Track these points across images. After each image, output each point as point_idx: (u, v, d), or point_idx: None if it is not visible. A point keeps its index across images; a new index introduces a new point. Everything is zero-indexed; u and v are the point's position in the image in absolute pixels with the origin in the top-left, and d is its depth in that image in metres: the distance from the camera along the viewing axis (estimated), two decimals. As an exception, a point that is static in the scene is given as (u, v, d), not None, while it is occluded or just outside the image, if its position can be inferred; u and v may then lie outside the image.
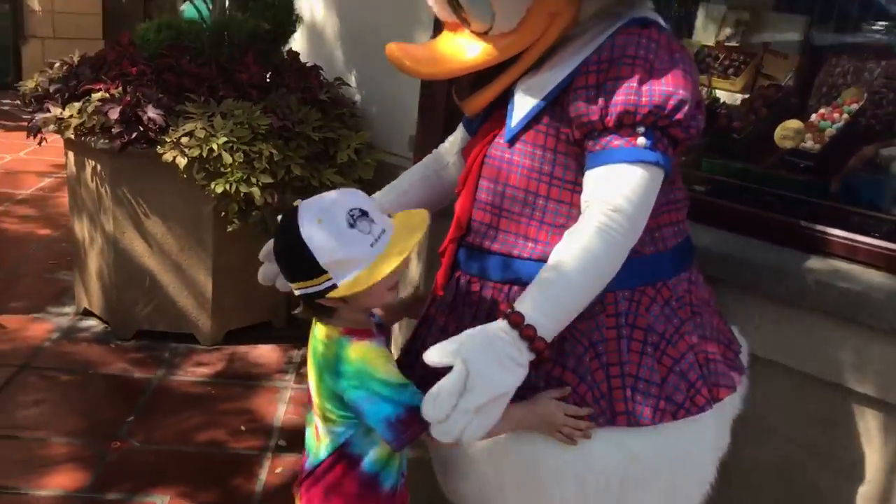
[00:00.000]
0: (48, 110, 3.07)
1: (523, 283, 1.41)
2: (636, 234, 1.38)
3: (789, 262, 1.86)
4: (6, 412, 2.72)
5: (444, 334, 1.46)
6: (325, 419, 1.50)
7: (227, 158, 2.88)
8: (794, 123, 2.32)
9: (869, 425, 1.77)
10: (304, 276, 1.39)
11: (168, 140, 2.89)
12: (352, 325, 1.46)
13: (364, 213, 1.37)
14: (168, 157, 2.87)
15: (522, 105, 1.49)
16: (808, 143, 2.32)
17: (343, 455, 1.50)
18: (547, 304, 1.32)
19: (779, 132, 2.32)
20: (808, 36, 2.67)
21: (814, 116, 2.39)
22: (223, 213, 3.01)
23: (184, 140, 2.89)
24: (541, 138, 1.47)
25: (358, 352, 1.42)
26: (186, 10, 3.94)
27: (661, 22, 1.47)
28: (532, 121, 1.48)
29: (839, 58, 2.58)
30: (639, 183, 1.36)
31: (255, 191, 2.90)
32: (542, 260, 1.42)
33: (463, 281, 1.57)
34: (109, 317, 3.33)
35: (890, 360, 1.70)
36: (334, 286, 1.37)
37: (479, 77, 1.54)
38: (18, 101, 3.36)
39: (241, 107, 3.01)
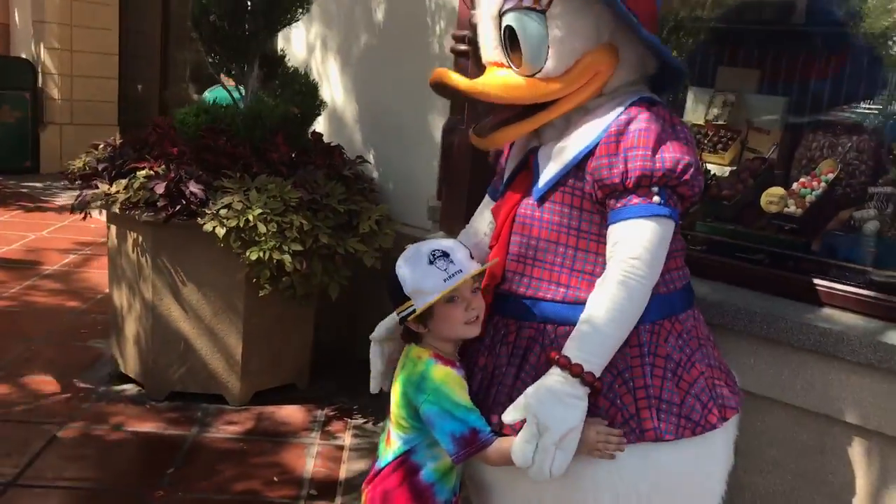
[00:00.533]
0: (96, 186, 3.35)
1: (553, 322, 1.70)
2: (655, 276, 1.65)
3: (778, 309, 2.11)
4: (51, 466, 2.91)
5: (485, 372, 1.76)
6: (398, 426, 1.76)
7: (262, 228, 3.14)
8: (777, 191, 2.61)
9: (854, 451, 1.99)
10: (396, 302, 1.72)
11: (208, 212, 3.17)
12: (439, 352, 1.74)
13: (445, 255, 1.69)
14: (208, 227, 3.13)
15: (548, 169, 1.77)
16: (791, 208, 2.60)
17: (407, 461, 1.74)
18: (587, 347, 1.60)
19: (764, 198, 2.61)
20: (787, 114, 2.99)
21: (795, 185, 2.68)
22: (255, 280, 3.26)
23: (222, 212, 3.16)
24: (567, 198, 1.73)
25: (440, 374, 1.70)
26: (208, 96, 4.29)
27: (663, 102, 1.76)
28: (558, 183, 1.75)
29: (815, 133, 2.90)
30: (655, 233, 1.62)
31: (287, 258, 3.16)
32: (568, 301, 1.70)
33: (500, 324, 1.80)
34: (144, 379, 3.54)
35: (868, 391, 1.93)
36: (414, 311, 1.66)
37: (505, 118, 1.79)
38: (45, 182, 3.64)
39: (274, 182, 3.30)
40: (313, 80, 3.77)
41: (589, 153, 1.71)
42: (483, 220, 2.06)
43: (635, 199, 1.64)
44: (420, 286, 1.66)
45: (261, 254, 3.15)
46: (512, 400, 1.64)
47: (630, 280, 1.61)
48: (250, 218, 3.14)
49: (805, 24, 3.03)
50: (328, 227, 3.32)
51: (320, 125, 3.99)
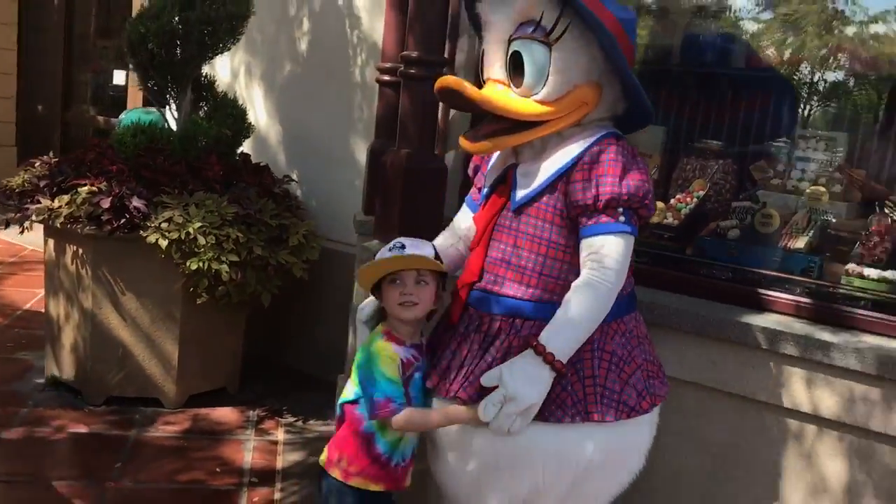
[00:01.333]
0: (39, 202, 3.53)
1: (521, 317, 2.05)
2: (621, 283, 2.01)
3: (658, 299, 2.57)
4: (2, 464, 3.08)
5: (455, 357, 2.10)
6: (354, 377, 2.17)
7: (202, 240, 3.42)
8: (659, 205, 3.10)
9: (721, 411, 2.46)
10: None
11: (151, 225, 3.41)
12: (392, 330, 2.13)
13: (402, 246, 2.09)
14: (151, 238, 3.38)
15: (524, 185, 2.08)
16: (669, 219, 3.10)
17: (353, 411, 2.15)
18: (559, 339, 1.94)
19: (647, 211, 3.09)
20: (666, 141, 3.51)
21: (672, 200, 3.18)
22: (192, 289, 3.52)
23: (164, 225, 3.42)
24: (540, 212, 2.03)
25: (379, 346, 2.09)
26: (125, 118, 4.49)
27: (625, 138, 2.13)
28: (533, 199, 2.03)
29: (688, 157, 3.42)
30: (620, 247, 1.97)
31: (224, 268, 3.44)
32: (534, 300, 2.04)
33: (475, 315, 2.12)
34: (82, 385, 3.72)
35: (734, 362, 2.41)
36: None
37: (494, 130, 2.07)
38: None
39: (211, 198, 3.58)
40: (242, 104, 4.06)
41: (560, 176, 2.01)
42: (461, 225, 2.37)
43: (604, 218, 1.96)
44: (375, 261, 2.12)
45: (200, 264, 3.42)
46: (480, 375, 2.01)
47: (602, 286, 1.94)
48: (191, 231, 3.41)
49: (679, 66, 3.57)
50: (261, 241, 3.62)
51: (247, 146, 4.28)
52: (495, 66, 2.08)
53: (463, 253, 2.33)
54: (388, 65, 3.46)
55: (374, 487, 2.14)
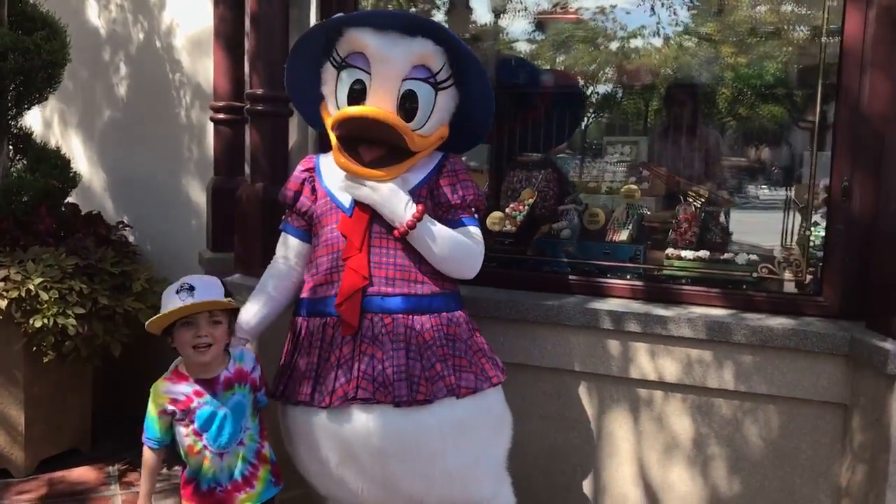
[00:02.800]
0: None
1: (421, 312, 2.27)
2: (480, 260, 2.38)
3: (516, 297, 2.83)
4: None
5: (374, 360, 2.23)
6: None
7: (45, 296, 3.30)
8: (497, 214, 3.38)
9: (580, 391, 2.75)
10: None
11: (-15, 286, 3.25)
12: (180, 369, 2.30)
13: (191, 288, 2.20)
14: (-12, 301, 3.22)
15: None
16: (508, 227, 3.38)
17: None
18: (434, 228, 2.29)
19: (489, 221, 3.36)
20: (492, 157, 3.82)
21: (507, 209, 3.48)
22: (35, 348, 3.38)
23: (0, 285, 3.27)
24: None
25: (155, 385, 2.30)
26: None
27: None
28: None
29: (515, 170, 3.75)
30: (480, 234, 2.41)
31: (71, 321, 3.34)
32: (426, 294, 2.30)
33: (376, 319, 2.27)
34: (-84, 466, 3.45)
35: (583, 345, 2.70)
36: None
37: (378, 157, 2.28)
38: None
39: (48, 251, 3.46)
40: (64, 154, 3.94)
41: (423, 185, 2.37)
42: (289, 254, 2.52)
43: (466, 214, 2.41)
44: (163, 308, 2.20)
45: (45, 321, 3.30)
46: (409, 375, 2.21)
47: (479, 248, 2.39)
48: (31, 287, 3.29)
49: (496, 87, 3.90)
50: (105, 290, 3.54)
51: (72, 196, 4.14)
52: (379, 99, 2.27)
53: (298, 276, 2.50)
54: (221, 104, 3.53)
55: None
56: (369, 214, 2.31)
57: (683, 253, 2.93)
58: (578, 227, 3.30)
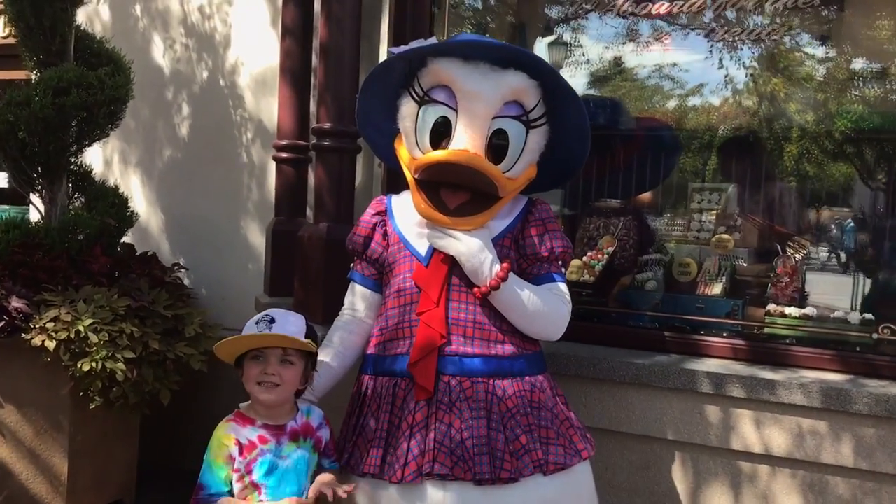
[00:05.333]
0: None
1: (503, 375, 2.03)
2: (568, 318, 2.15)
3: (599, 353, 2.56)
4: None
5: (452, 430, 1.98)
6: None
7: (94, 338, 3.13)
8: (575, 263, 3.13)
9: (672, 462, 2.46)
10: None
11: (34, 327, 3.10)
12: (244, 412, 2.07)
13: (272, 320, 2.00)
14: (37, 341, 3.06)
15: None
16: (586, 276, 3.13)
17: None
18: (519, 286, 2.07)
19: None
20: (565, 204, 3.59)
21: (585, 258, 3.23)
22: (82, 393, 3.21)
23: (49, 325, 3.11)
24: None
25: (218, 428, 2.05)
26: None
27: None
28: None
29: (590, 216, 3.50)
30: (567, 292, 2.20)
31: (120, 366, 3.16)
32: (508, 356, 2.06)
33: (454, 383, 2.03)
34: (-46, 516, 3.28)
35: (676, 410, 2.41)
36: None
37: (461, 203, 2.07)
38: None
39: (100, 292, 3.30)
40: (122, 192, 3.83)
41: (508, 233, 2.15)
42: (359, 303, 2.29)
43: (554, 269, 2.19)
44: (239, 335, 2.03)
45: (93, 364, 3.13)
46: (491, 449, 1.95)
47: (566, 307, 2.17)
48: (81, 328, 3.12)
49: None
50: (157, 333, 3.36)
51: (127, 237, 4.02)
52: (466, 140, 2.05)
53: (367, 328, 2.27)
54: (284, 142, 3.38)
55: None
56: (448, 266, 2.09)
57: (787, 310, 2.64)
58: (663, 279, 3.02)
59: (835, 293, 2.91)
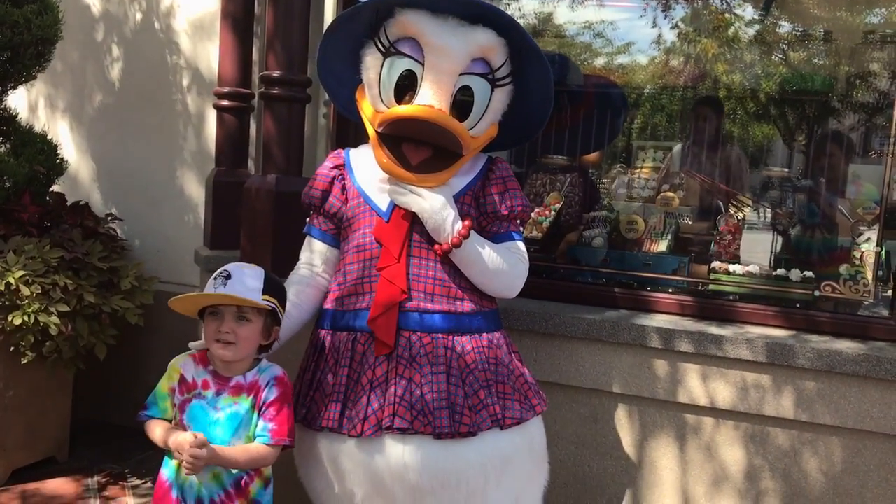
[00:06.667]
0: None
1: (462, 332, 2.02)
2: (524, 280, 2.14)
3: (547, 308, 2.58)
4: None
5: (412, 384, 1.96)
6: None
7: (25, 291, 3.01)
8: (522, 219, 3.13)
9: (619, 415, 2.51)
10: None
11: (-40, 279, 2.95)
12: (206, 350, 2.05)
13: (228, 276, 1.96)
14: (-36, 294, 2.92)
15: None
16: (534, 233, 3.14)
17: None
18: (480, 243, 2.06)
19: (513, 226, 3.11)
20: (512, 160, 3.58)
21: (532, 214, 3.23)
22: (13, 348, 3.08)
23: (-24, 277, 2.97)
24: None
25: (178, 356, 2.08)
26: None
27: None
28: None
29: (537, 173, 3.51)
30: (525, 251, 2.20)
31: (53, 319, 3.04)
32: (467, 312, 2.05)
33: (414, 338, 2.01)
34: None
35: (629, 364, 2.46)
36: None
37: (424, 159, 2.03)
38: None
39: (30, 242, 3.16)
40: (51, 139, 3.65)
41: (468, 190, 2.14)
42: (316, 258, 2.23)
43: (513, 227, 2.19)
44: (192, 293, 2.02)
45: (25, 318, 3.01)
46: (451, 404, 1.94)
47: (524, 266, 2.16)
48: (11, 281, 2.99)
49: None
50: (92, 286, 3.25)
51: (56, 185, 3.85)
52: (431, 95, 2.00)
53: (324, 284, 2.22)
54: (226, 90, 3.26)
55: None
56: (409, 222, 2.06)
57: (731, 267, 2.70)
58: (609, 235, 3.05)
59: (776, 251, 3.01)
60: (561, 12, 4.00)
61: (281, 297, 2.05)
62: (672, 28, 4.09)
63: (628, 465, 2.51)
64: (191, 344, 2.10)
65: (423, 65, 2.01)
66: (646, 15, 4.01)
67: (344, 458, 1.99)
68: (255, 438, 1.99)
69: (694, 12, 4.10)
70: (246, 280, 1.97)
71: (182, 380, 2.02)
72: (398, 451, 1.93)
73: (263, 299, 1.97)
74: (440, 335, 2.01)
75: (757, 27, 3.96)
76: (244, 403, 2.01)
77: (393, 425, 1.92)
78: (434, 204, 2.01)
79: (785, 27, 4.07)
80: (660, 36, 4.13)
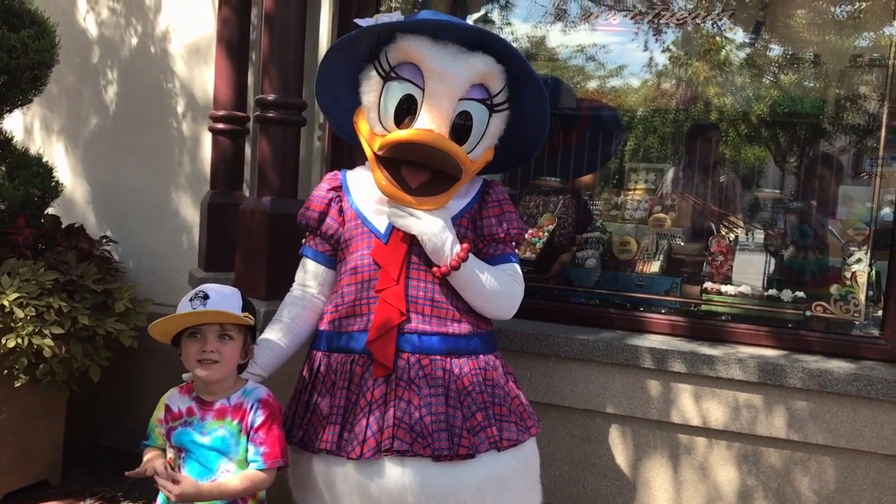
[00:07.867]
0: None
1: (459, 354, 2.03)
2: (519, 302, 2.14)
3: (542, 329, 2.59)
4: None
5: (411, 407, 1.96)
6: None
7: (20, 313, 3.01)
8: (515, 239, 3.15)
9: (613, 435, 2.51)
10: None
11: (-46, 301, 2.95)
12: (189, 379, 2.07)
13: (206, 297, 1.96)
14: (-42, 316, 2.92)
15: None
16: (528, 254, 3.16)
17: None
18: (478, 267, 2.07)
19: (507, 247, 3.13)
20: (505, 182, 3.59)
21: (527, 235, 3.25)
22: (6, 371, 3.08)
23: (-30, 300, 2.97)
24: None
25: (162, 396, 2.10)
26: None
27: None
28: None
29: (531, 195, 3.53)
30: (520, 273, 2.20)
31: (48, 342, 3.04)
32: (464, 334, 2.06)
33: (412, 360, 2.01)
34: None
35: (619, 384, 2.47)
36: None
37: (423, 182, 2.05)
38: None
39: (25, 265, 3.16)
40: (46, 162, 3.66)
41: (465, 213, 2.15)
42: (311, 280, 2.23)
43: (508, 249, 2.19)
44: (173, 314, 1.98)
45: (19, 340, 3.00)
46: (449, 426, 1.95)
47: (520, 288, 2.17)
48: (5, 303, 2.99)
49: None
50: (86, 308, 3.25)
51: (51, 208, 3.86)
52: (431, 120, 2.03)
53: (319, 305, 2.23)
54: (221, 112, 3.29)
55: None
56: (408, 244, 2.07)
57: (723, 288, 2.72)
58: (602, 257, 3.07)
59: (768, 272, 3.03)
60: (553, 36, 4.04)
61: (254, 313, 2.08)
62: (663, 51, 4.14)
63: (622, 485, 2.51)
64: (184, 375, 2.11)
65: (423, 90, 2.04)
66: (637, 39, 4.06)
67: (341, 481, 1.99)
68: (248, 463, 1.99)
69: (685, 36, 4.15)
70: (227, 298, 1.99)
71: (168, 410, 2.05)
72: (396, 474, 1.94)
73: (244, 315, 1.99)
74: (438, 357, 2.02)
75: (748, 50, 4.01)
76: (230, 427, 2.01)
77: (393, 447, 1.92)
78: (433, 227, 2.02)
79: (775, 50, 4.12)
80: (651, 59, 4.18)
